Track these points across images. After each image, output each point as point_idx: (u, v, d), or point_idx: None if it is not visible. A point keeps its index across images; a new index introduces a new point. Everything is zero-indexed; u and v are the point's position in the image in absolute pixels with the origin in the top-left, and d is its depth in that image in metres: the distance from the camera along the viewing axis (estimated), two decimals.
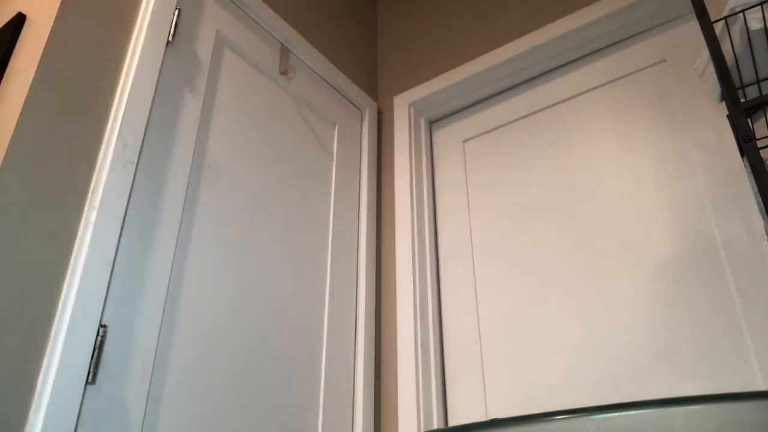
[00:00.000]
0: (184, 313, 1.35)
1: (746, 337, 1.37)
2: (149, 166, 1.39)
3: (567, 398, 1.54)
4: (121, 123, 1.33)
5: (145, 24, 1.46)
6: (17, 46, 1.34)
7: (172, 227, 1.39)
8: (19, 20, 1.36)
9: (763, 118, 1.20)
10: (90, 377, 1.13)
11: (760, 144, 1.07)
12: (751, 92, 1.29)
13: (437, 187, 2.13)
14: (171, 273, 1.35)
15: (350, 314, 1.85)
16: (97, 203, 1.23)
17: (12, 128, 1.16)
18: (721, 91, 1.16)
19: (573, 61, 1.98)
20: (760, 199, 1.01)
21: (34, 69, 1.22)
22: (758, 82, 1.28)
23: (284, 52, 1.94)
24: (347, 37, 2.32)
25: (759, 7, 1.21)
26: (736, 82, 1.21)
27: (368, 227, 2.03)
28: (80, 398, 1.11)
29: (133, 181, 1.33)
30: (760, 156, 1.03)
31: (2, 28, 1.39)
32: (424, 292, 1.88)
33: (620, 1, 1.82)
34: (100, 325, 1.17)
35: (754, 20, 1.22)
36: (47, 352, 1.09)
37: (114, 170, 1.28)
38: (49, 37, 1.26)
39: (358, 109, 2.23)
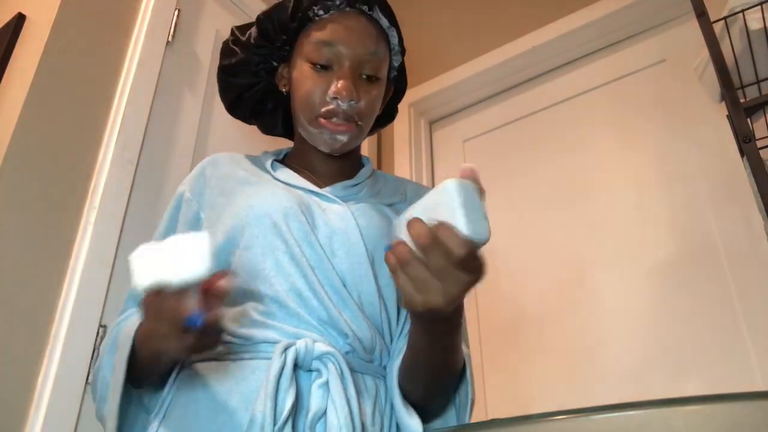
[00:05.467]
0: None
1: (746, 336, 1.37)
2: (149, 166, 1.39)
3: (567, 398, 1.54)
4: (121, 123, 1.33)
5: (145, 24, 1.46)
6: (17, 46, 1.34)
7: None
8: (19, 20, 1.36)
9: (763, 119, 1.20)
10: (90, 378, 1.13)
11: (759, 144, 1.07)
12: (751, 92, 1.29)
13: None
14: None
15: None
16: (96, 204, 1.23)
17: (12, 128, 1.16)
18: (721, 92, 1.16)
19: (573, 61, 1.98)
20: (759, 199, 1.01)
21: (34, 69, 1.22)
22: (758, 82, 1.28)
23: None
24: None
25: (759, 7, 1.21)
26: (736, 83, 1.21)
27: None
28: (80, 398, 1.11)
29: (133, 181, 1.33)
30: (760, 156, 1.03)
31: (2, 28, 1.39)
32: None
33: (620, 1, 1.82)
34: (100, 326, 1.17)
35: (754, 20, 1.22)
36: (47, 353, 1.09)
37: (114, 171, 1.28)
38: (48, 38, 1.26)
39: None
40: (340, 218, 0.80)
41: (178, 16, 1.57)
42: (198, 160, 1.51)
